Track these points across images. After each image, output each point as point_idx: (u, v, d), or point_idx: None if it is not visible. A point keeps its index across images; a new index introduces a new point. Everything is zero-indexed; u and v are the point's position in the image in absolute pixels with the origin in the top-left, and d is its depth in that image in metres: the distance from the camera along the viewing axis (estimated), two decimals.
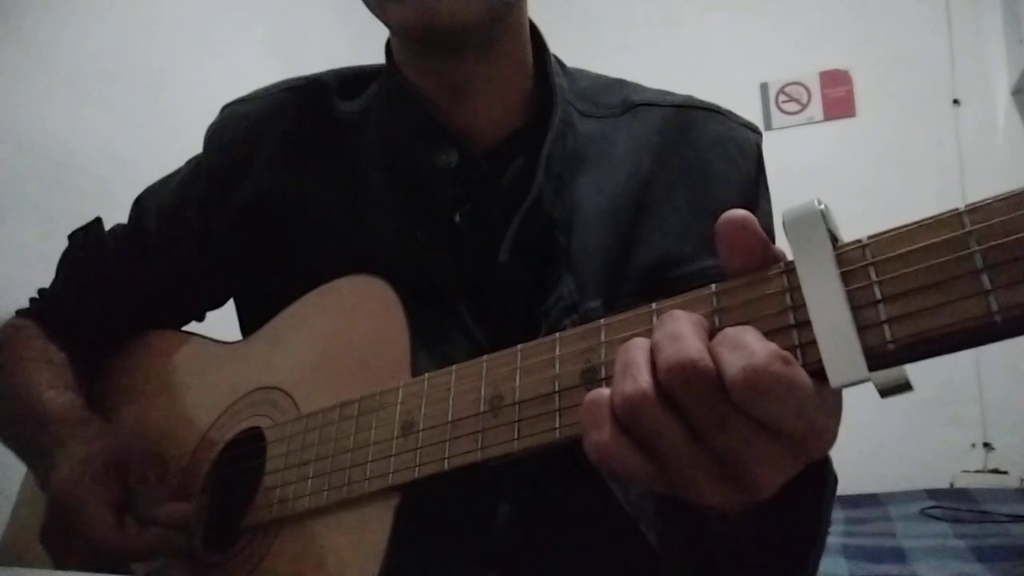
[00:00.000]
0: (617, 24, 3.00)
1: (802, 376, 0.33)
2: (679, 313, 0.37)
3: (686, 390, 0.34)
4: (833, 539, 1.89)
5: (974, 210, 0.32)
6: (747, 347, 0.33)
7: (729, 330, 0.35)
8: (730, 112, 0.71)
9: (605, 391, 0.36)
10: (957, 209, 0.33)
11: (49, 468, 0.61)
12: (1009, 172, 2.48)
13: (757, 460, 0.34)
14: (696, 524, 0.46)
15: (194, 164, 0.77)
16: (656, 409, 0.34)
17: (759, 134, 0.70)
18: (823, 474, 0.46)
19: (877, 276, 0.34)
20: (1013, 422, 2.44)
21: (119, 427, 0.68)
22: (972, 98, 2.64)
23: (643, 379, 0.35)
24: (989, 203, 0.32)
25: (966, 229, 0.32)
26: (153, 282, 0.77)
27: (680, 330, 0.35)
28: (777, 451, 0.34)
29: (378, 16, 0.62)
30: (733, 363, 0.33)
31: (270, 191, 0.69)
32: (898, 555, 1.77)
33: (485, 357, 0.48)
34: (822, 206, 0.36)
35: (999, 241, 0.31)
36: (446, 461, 0.47)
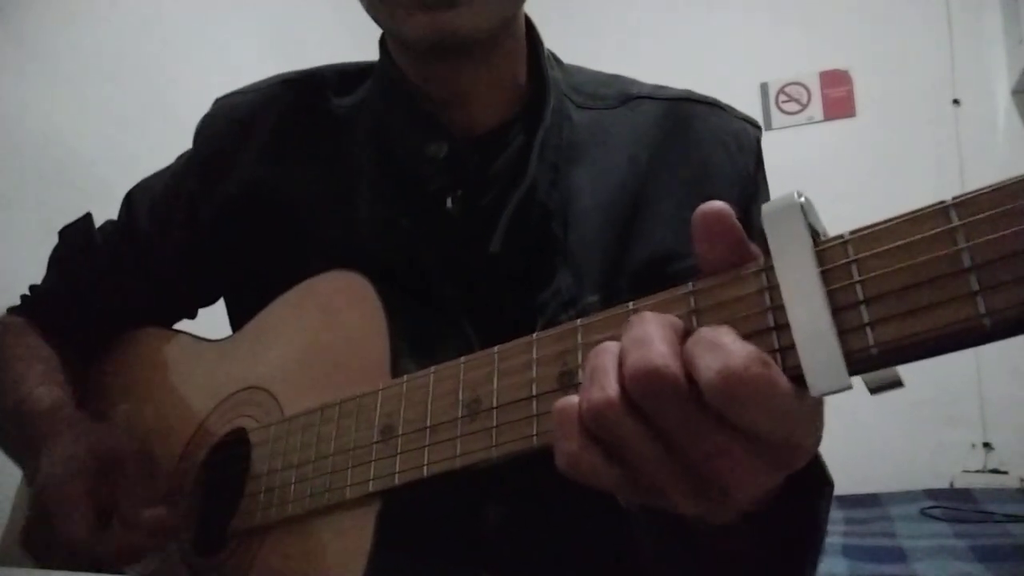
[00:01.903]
0: (617, 24, 3.00)
1: (782, 380, 0.31)
2: (648, 315, 0.35)
3: (652, 398, 0.32)
4: (833, 539, 1.89)
5: (961, 203, 0.30)
6: (723, 348, 0.31)
7: (704, 330, 0.33)
8: (729, 106, 0.70)
9: (574, 399, 0.35)
10: (944, 202, 0.31)
11: (36, 465, 0.60)
12: (1009, 172, 2.46)
13: (730, 470, 0.33)
14: (685, 532, 0.45)
15: (185, 158, 0.77)
16: (624, 417, 0.33)
17: (759, 128, 0.70)
18: (817, 481, 0.45)
19: (859, 275, 0.32)
20: (1013, 422, 2.44)
21: (107, 425, 0.67)
22: (972, 98, 2.64)
23: (610, 387, 0.33)
24: (977, 195, 0.30)
25: (952, 224, 0.30)
26: (144, 278, 0.76)
27: (647, 334, 0.33)
28: (751, 460, 0.33)
29: (389, 30, 0.62)
30: (709, 366, 0.31)
31: (259, 182, 0.69)
32: (898, 555, 1.77)
33: (463, 358, 0.47)
34: (802, 199, 0.34)
35: (988, 237, 0.29)
36: (425, 468, 0.46)
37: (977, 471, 2.48)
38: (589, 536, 0.61)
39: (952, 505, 2.12)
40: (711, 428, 0.32)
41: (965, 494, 2.28)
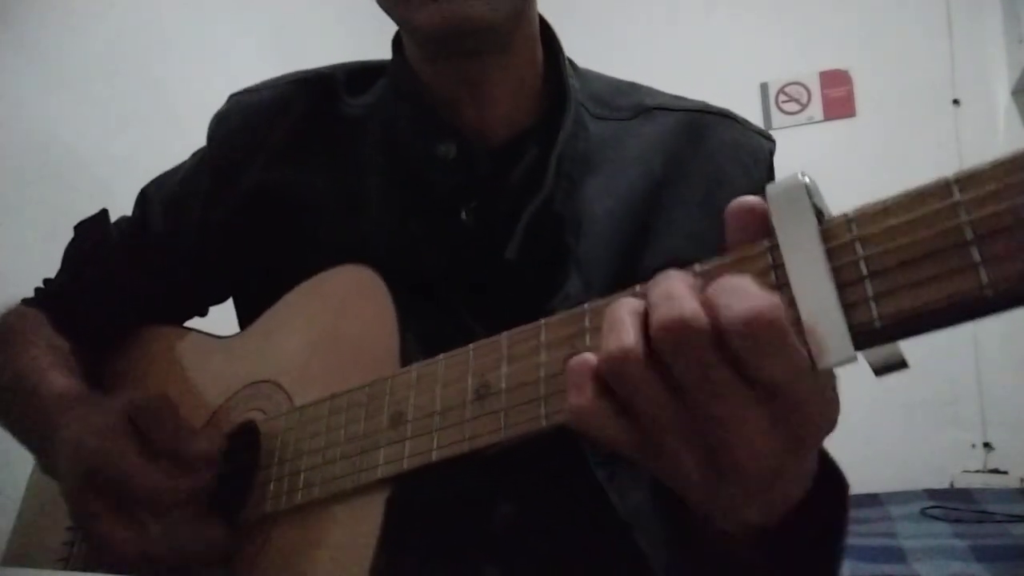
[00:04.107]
0: (617, 24, 3.01)
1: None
2: (673, 272, 0.36)
3: (679, 348, 0.32)
4: None
5: (963, 179, 0.31)
6: (748, 292, 0.32)
7: (726, 278, 0.33)
8: (743, 119, 0.71)
9: (589, 355, 0.36)
10: (946, 178, 0.32)
11: (56, 443, 0.59)
12: None
13: (738, 435, 0.33)
14: (703, 546, 0.45)
15: (199, 156, 0.77)
16: (643, 369, 0.33)
17: (772, 142, 0.70)
18: (836, 509, 0.44)
19: (863, 251, 0.33)
20: (1013, 422, 2.44)
21: (122, 393, 0.66)
22: (972, 98, 2.65)
23: (629, 337, 0.34)
24: (979, 171, 0.31)
25: (954, 199, 0.31)
26: (156, 276, 0.76)
27: (674, 289, 0.34)
28: (764, 425, 0.33)
29: (399, 19, 0.62)
30: (731, 306, 0.31)
31: (271, 184, 0.69)
32: (898, 555, 1.77)
33: (472, 345, 0.47)
34: (806, 179, 0.35)
35: (989, 211, 0.30)
36: (433, 452, 0.47)
37: (977, 471, 2.49)
38: (598, 535, 0.62)
39: (952, 505, 2.12)
40: (728, 382, 0.32)
41: (965, 494, 2.28)
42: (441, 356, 0.49)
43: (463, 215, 0.64)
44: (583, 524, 0.62)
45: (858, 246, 0.33)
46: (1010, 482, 2.41)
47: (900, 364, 0.34)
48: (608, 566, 0.62)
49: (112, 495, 0.53)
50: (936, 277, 0.31)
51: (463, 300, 0.63)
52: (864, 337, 0.32)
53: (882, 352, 0.34)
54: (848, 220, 0.34)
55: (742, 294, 0.32)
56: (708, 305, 0.33)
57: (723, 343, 0.32)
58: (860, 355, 0.33)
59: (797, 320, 0.33)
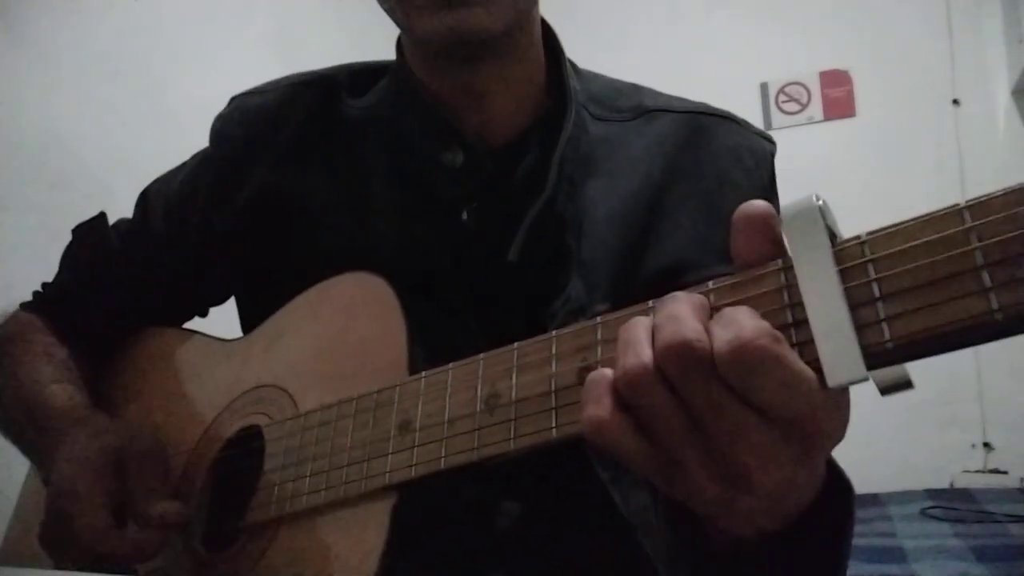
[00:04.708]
0: (617, 24, 3.01)
1: (791, 356, 0.33)
2: (680, 295, 0.37)
3: (682, 370, 0.33)
4: None
5: (974, 206, 0.32)
6: (737, 323, 0.33)
7: (725, 309, 0.35)
8: (745, 121, 0.71)
9: (607, 370, 0.36)
10: (957, 204, 0.32)
11: (50, 464, 0.60)
12: (1009, 172, 2.47)
13: (750, 449, 0.34)
14: (707, 547, 0.45)
15: (200, 157, 0.77)
16: (656, 385, 0.34)
17: (773, 144, 0.70)
18: (843, 513, 0.44)
19: (876, 273, 0.33)
20: (1013, 422, 2.44)
21: (120, 422, 0.67)
22: (972, 98, 2.65)
23: (645, 354, 0.34)
24: (990, 198, 0.31)
25: (966, 225, 0.31)
26: (157, 277, 0.76)
27: (679, 311, 0.35)
28: (771, 441, 0.34)
29: (402, 26, 0.62)
30: (721, 337, 0.33)
31: (275, 186, 0.69)
32: (898, 555, 1.77)
33: (482, 355, 0.47)
34: (820, 202, 0.35)
35: (1000, 237, 0.30)
36: (443, 460, 0.47)
37: (977, 471, 2.49)
38: (601, 540, 0.62)
39: (952, 505, 2.12)
40: (732, 404, 0.33)
41: (965, 494, 2.28)
42: (451, 365, 0.49)
43: (464, 216, 0.64)
44: (587, 525, 0.62)
45: (871, 268, 0.33)
46: (1010, 482, 2.41)
47: (906, 385, 0.34)
48: (612, 568, 0.62)
49: (67, 531, 0.56)
50: (947, 301, 0.31)
51: (465, 301, 0.63)
52: (875, 358, 0.33)
53: (890, 373, 0.34)
54: (861, 242, 0.34)
55: (733, 325, 0.33)
56: (708, 331, 0.34)
57: (718, 368, 0.33)
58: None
59: (810, 339, 0.34)
